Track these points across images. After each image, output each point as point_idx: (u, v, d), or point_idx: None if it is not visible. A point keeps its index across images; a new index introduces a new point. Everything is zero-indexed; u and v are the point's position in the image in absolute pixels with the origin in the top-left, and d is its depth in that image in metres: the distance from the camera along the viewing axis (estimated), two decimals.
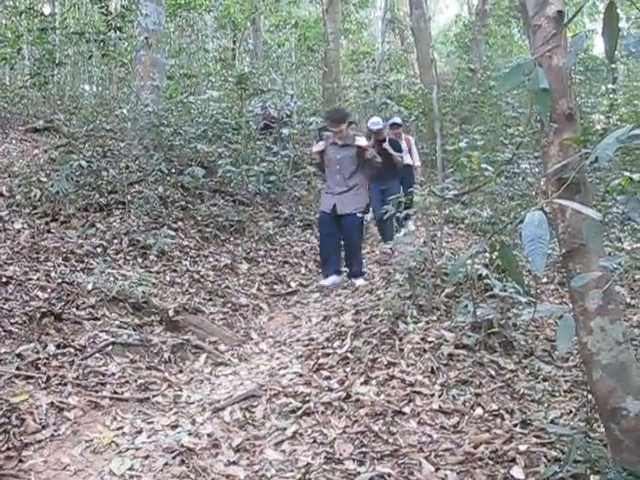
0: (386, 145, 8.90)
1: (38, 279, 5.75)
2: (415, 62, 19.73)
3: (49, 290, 5.58)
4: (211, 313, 6.27)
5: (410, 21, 17.61)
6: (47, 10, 14.64)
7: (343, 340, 5.23)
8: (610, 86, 15.17)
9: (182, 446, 3.80)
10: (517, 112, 12.65)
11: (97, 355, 4.88)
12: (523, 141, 8.13)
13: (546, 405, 4.22)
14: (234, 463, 3.64)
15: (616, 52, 2.35)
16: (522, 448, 3.66)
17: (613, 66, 14.54)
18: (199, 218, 8.39)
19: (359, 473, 3.48)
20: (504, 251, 2.52)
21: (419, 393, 4.39)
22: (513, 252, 2.57)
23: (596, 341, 2.75)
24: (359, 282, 7.11)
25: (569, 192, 2.58)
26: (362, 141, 7.22)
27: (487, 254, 5.68)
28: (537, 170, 8.97)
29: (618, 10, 2.30)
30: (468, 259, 4.75)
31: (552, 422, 3.94)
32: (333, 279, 7.25)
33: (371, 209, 8.79)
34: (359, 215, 7.29)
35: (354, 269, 7.34)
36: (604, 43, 2.35)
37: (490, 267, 5.53)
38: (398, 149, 9.25)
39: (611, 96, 14.55)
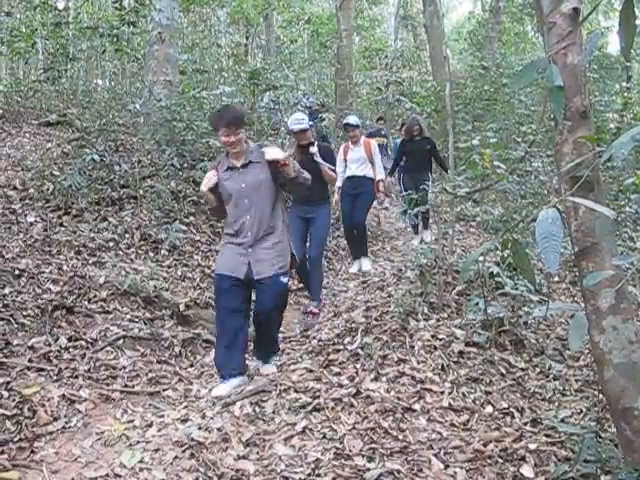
0: (313, 150, 6.30)
1: (50, 272, 5.79)
2: (428, 59, 19.68)
3: (61, 283, 5.61)
4: None
5: (423, 18, 17.57)
6: (61, 4, 14.68)
7: (354, 336, 5.23)
8: (624, 84, 15.08)
9: (192, 440, 3.81)
10: (530, 110, 12.61)
11: (108, 348, 4.91)
12: (536, 139, 8.10)
13: (557, 404, 4.20)
14: (244, 457, 3.64)
15: (632, 50, 2.33)
16: (532, 447, 3.66)
17: (628, 64, 14.45)
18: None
19: (368, 469, 3.49)
20: (516, 249, 2.52)
21: (429, 390, 4.38)
22: (525, 250, 2.57)
23: (608, 340, 2.73)
24: (269, 369, 4.78)
25: (582, 190, 2.57)
26: (275, 152, 4.53)
27: (498, 252, 5.66)
28: (549, 168, 8.93)
29: (635, 8, 2.29)
30: (479, 257, 4.75)
31: (562, 421, 3.92)
32: (235, 383, 4.48)
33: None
34: (284, 280, 4.62)
35: (267, 351, 4.95)
36: (620, 41, 2.35)
37: (501, 265, 5.52)
38: (330, 159, 6.60)
39: (625, 94, 14.46)
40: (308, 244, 6.67)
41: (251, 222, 4.52)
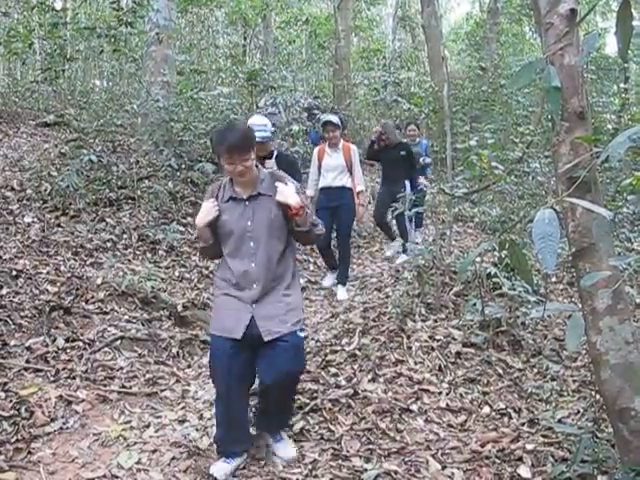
0: (269, 165, 5.31)
1: (48, 273, 5.78)
2: (426, 60, 19.67)
3: (59, 284, 5.61)
4: None
5: (421, 19, 17.58)
6: (59, 5, 14.65)
7: (351, 337, 5.23)
8: (622, 85, 15.09)
9: (190, 441, 3.82)
10: (528, 111, 12.61)
11: (106, 349, 4.91)
12: (533, 140, 8.10)
13: (554, 404, 4.21)
14: None
15: (629, 51, 2.33)
16: (529, 447, 3.66)
17: (625, 65, 14.46)
18: None
19: (366, 470, 3.49)
20: (513, 249, 2.52)
21: (426, 391, 4.39)
22: (522, 251, 2.57)
23: (605, 341, 2.74)
24: (287, 452, 3.75)
25: (580, 191, 2.58)
26: (288, 194, 3.51)
27: (496, 253, 5.66)
28: (547, 169, 8.93)
29: (632, 9, 2.29)
30: (477, 257, 4.76)
31: (560, 421, 3.93)
32: (239, 463, 3.66)
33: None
34: (301, 334, 3.68)
35: (278, 427, 3.87)
36: (617, 42, 2.35)
37: (499, 266, 5.52)
38: (293, 173, 4.46)
39: (623, 95, 14.46)
40: None
41: (257, 271, 3.51)
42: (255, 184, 3.58)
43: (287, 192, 3.48)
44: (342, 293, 6.88)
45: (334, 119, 6.98)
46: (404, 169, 8.30)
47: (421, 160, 9.23)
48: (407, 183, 8.26)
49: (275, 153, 5.51)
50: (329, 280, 7.36)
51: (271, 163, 5.31)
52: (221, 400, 3.62)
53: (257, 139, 4.39)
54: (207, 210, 3.54)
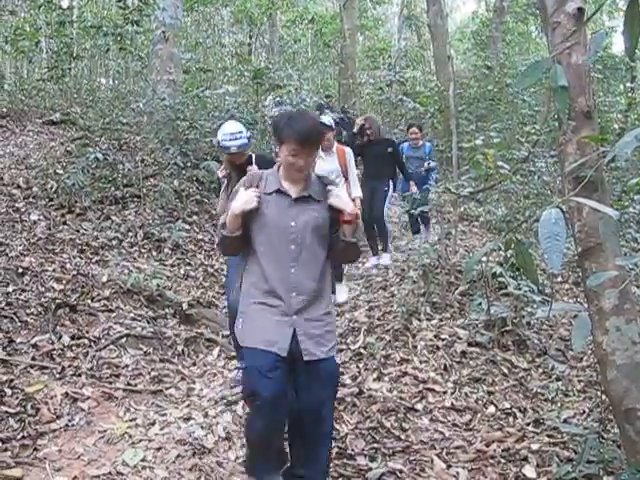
0: (253, 170, 4.46)
1: (54, 270, 5.79)
2: (431, 59, 19.64)
3: (64, 282, 5.62)
4: (225, 307, 6.28)
5: (427, 18, 17.54)
6: (65, 3, 14.67)
7: (356, 336, 5.23)
8: (629, 85, 15.05)
9: (195, 439, 3.82)
10: (534, 110, 12.59)
11: (111, 347, 4.92)
12: (539, 139, 8.08)
13: (559, 404, 4.20)
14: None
15: (636, 50, 2.33)
16: (534, 447, 3.66)
17: (632, 65, 14.43)
18: (214, 212, 8.39)
19: (371, 469, 3.49)
20: (519, 249, 2.51)
21: (432, 390, 4.39)
22: (528, 250, 2.56)
23: (611, 341, 2.73)
24: None
25: (586, 190, 2.57)
26: (343, 199, 3.16)
27: (502, 252, 5.65)
28: (553, 169, 8.91)
29: None
30: (482, 257, 4.75)
31: (565, 422, 3.92)
32: None
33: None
34: (336, 360, 3.44)
35: (318, 470, 3.24)
36: (624, 41, 2.33)
37: (504, 265, 5.51)
38: None
39: (629, 95, 14.43)
40: None
41: (297, 278, 3.08)
42: (307, 185, 3.17)
43: (344, 197, 3.14)
44: (341, 295, 6.51)
45: (326, 119, 6.38)
46: (388, 167, 7.93)
47: (425, 164, 9.01)
48: (391, 183, 7.96)
49: (253, 157, 4.86)
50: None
51: (254, 168, 4.52)
52: (261, 417, 3.07)
53: (234, 148, 4.63)
54: (248, 198, 3.07)
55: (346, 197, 3.16)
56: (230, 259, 4.51)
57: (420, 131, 9.51)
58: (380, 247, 7.93)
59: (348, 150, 6.60)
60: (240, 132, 4.72)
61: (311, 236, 3.10)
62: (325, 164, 6.20)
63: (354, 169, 6.59)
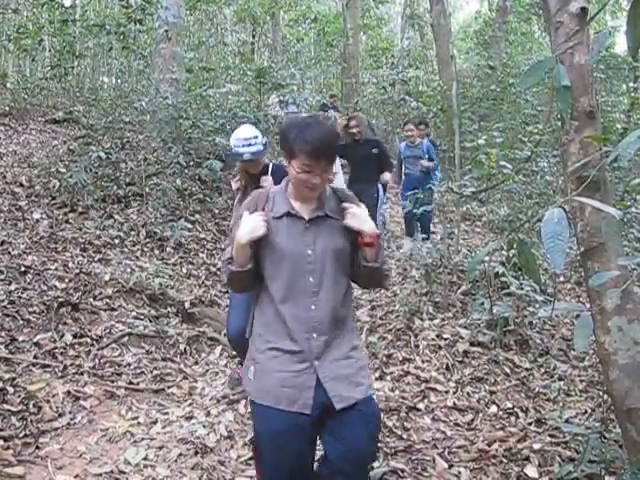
0: (266, 181, 4.20)
1: (56, 269, 5.80)
2: (434, 58, 19.62)
3: (67, 280, 5.63)
4: (227, 306, 6.29)
5: (430, 17, 17.53)
6: (68, 2, 14.69)
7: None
8: (631, 85, 15.02)
9: (196, 437, 3.83)
10: (536, 110, 12.58)
11: (113, 345, 4.93)
12: (542, 139, 8.08)
13: (561, 404, 4.20)
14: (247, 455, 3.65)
15: (639, 50, 2.32)
16: (536, 447, 3.66)
17: (635, 64, 14.39)
18: (216, 211, 8.41)
19: (372, 468, 3.49)
20: (522, 249, 2.51)
21: (434, 390, 4.39)
22: (530, 250, 2.56)
23: (613, 341, 2.73)
24: None
25: (589, 190, 2.57)
26: (361, 217, 2.59)
27: (504, 252, 5.65)
28: (556, 168, 8.90)
29: None
30: (485, 256, 4.74)
31: (567, 421, 3.92)
32: None
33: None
34: (376, 400, 2.80)
35: None
36: (627, 41, 2.33)
37: (507, 265, 5.51)
38: None
39: (632, 95, 14.40)
40: None
41: (319, 315, 2.54)
42: (321, 202, 2.63)
43: (362, 216, 2.58)
44: None
45: None
46: (376, 170, 7.41)
47: (422, 162, 8.50)
48: (380, 186, 7.57)
49: (270, 166, 4.37)
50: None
51: (268, 179, 4.20)
52: None
53: (247, 155, 4.16)
54: (255, 224, 2.50)
55: (365, 215, 2.58)
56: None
57: (416, 128, 8.96)
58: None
59: (337, 159, 5.86)
60: (255, 137, 4.21)
61: (332, 263, 2.56)
62: None
63: (341, 172, 6.23)
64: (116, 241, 6.79)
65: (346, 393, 2.51)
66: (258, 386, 2.56)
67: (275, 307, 2.56)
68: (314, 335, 2.52)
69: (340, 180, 5.99)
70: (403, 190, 8.67)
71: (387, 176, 7.56)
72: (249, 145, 4.16)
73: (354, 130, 7.47)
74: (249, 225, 2.51)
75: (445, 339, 4.99)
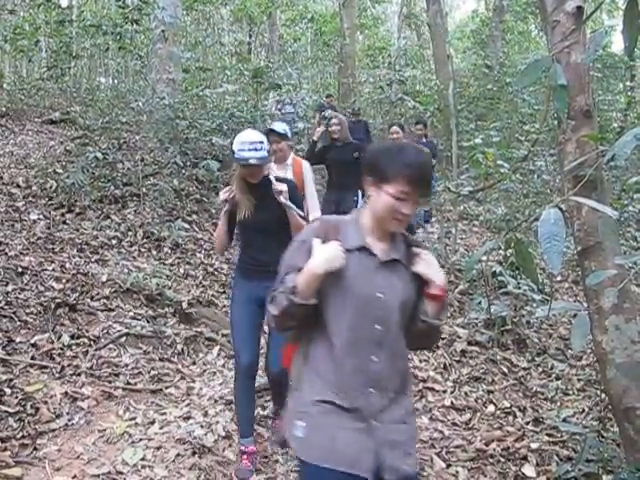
0: (280, 188, 3.74)
1: (53, 270, 5.79)
2: (431, 58, 19.64)
3: (64, 281, 5.62)
4: (224, 306, 6.28)
5: (427, 17, 17.54)
6: (65, 3, 14.72)
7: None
8: (628, 84, 15.05)
9: (194, 438, 3.82)
10: (533, 109, 12.60)
11: (111, 346, 4.92)
12: (539, 138, 8.09)
13: (559, 403, 4.21)
14: None
15: (635, 49, 2.33)
16: (534, 446, 3.66)
17: (631, 63, 14.42)
18: (213, 211, 8.40)
19: None
20: (519, 248, 2.51)
21: (431, 389, 4.39)
22: (528, 249, 2.57)
23: (611, 340, 2.73)
24: None
25: (586, 190, 2.57)
26: (432, 267, 2.25)
27: (501, 251, 5.66)
28: (553, 167, 8.92)
29: (639, 7, 2.28)
30: (482, 256, 4.75)
31: (564, 420, 3.93)
32: None
33: None
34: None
35: None
36: (624, 40, 2.34)
37: (504, 264, 5.52)
38: (294, 196, 3.85)
39: (629, 94, 14.43)
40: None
41: (380, 369, 2.23)
42: (395, 243, 2.29)
43: (434, 264, 2.26)
44: None
45: (279, 127, 5.09)
46: (356, 176, 6.41)
47: None
48: (360, 193, 6.57)
49: (272, 178, 3.86)
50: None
51: (281, 187, 3.76)
52: None
53: (253, 160, 3.64)
54: (333, 253, 2.16)
55: (437, 264, 2.28)
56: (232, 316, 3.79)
57: (402, 131, 8.05)
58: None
59: (305, 163, 5.28)
60: (261, 142, 3.75)
61: (398, 314, 2.24)
62: None
63: (312, 184, 5.25)
64: (113, 241, 6.79)
65: (399, 463, 2.20)
66: (311, 444, 2.22)
67: (332, 354, 2.23)
68: (372, 390, 2.21)
69: (313, 198, 5.06)
70: None
71: None
72: (255, 150, 3.68)
73: (333, 128, 6.75)
74: (326, 254, 2.17)
75: (443, 338, 4.99)
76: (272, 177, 3.82)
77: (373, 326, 2.20)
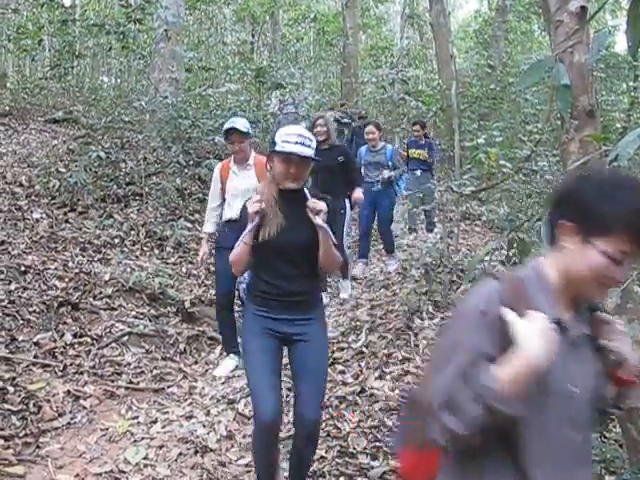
0: (316, 207, 3.00)
1: (56, 269, 5.80)
2: (434, 58, 19.63)
3: (67, 280, 5.63)
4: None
5: (429, 16, 17.53)
6: (68, 2, 14.70)
7: (358, 335, 5.23)
8: (631, 84, 14.99)
9: (196, 437, 3.83)
10: (536, 109, 12.56)
11: (113, 345, 4.93)
12: (542, 138, 8.07)
13: None
14: (248, 455, 3.65)
15: (639, 49, 2.32)
16: None
17: (635, 64, 14.39)
18: None
19: (372, 467, 3.49)
20: (522, 248, 2.51)
21: None
22: (531, 249, 2.57)
23: None
24: None
25: None
26: (628, 342, 1.71)
27: (504, 251, 5.65)
28: (556, 167, 8.90)
29: None
30: (485, 256, 4.74)
31: None
32: None
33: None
34: None
35: None
36: (627, 40, 2.33)
37: (507, 264, 5.51)
38: (331, 225, 3.12)
39: (632, 94, 14.38)
40: None
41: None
42: (580, 308, 1.68)
43: (628, 339, 1.74)
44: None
45: (240, 124, 4.77)
46: (342, 182, 6.19)
47: (384, 174, 7.32)
48: (347, 202, 6.37)
49: (307, 193, 3.23)
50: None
51: (320, 206, 3.01)
52: None
53: (296, 157, 3.02)
54: (548, 335, 1.46)
55: (629, 338, 1.76)
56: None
57: (379, 130, 7.74)
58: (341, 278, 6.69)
59: None
60: (311, 140, 3.11)
61: (590, 412, 1.65)
62: (239, 181, 4.79)
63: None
64: (116, 240, 6.79)
65: None
66: None
67: (517, 469, 1.54)
68: None
69: None
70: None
71: (358, 193, 6.41)
72: (303, 145, 3.01)
73: (318, 129, 6.25)
74: (542, 336, 1.45)
75: None
76: (307, 192, 3.19)
77: (572, 434, 1.59)
